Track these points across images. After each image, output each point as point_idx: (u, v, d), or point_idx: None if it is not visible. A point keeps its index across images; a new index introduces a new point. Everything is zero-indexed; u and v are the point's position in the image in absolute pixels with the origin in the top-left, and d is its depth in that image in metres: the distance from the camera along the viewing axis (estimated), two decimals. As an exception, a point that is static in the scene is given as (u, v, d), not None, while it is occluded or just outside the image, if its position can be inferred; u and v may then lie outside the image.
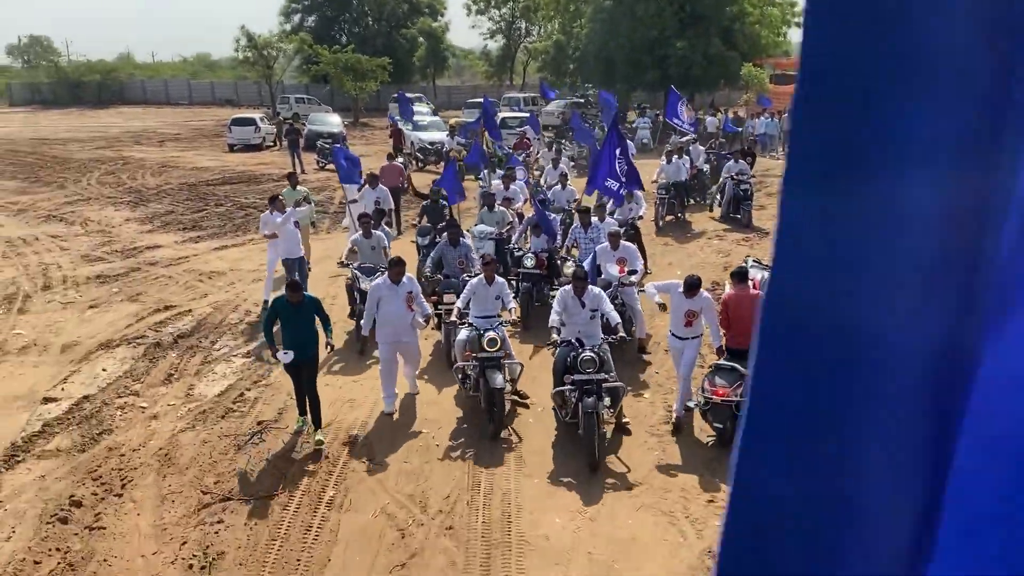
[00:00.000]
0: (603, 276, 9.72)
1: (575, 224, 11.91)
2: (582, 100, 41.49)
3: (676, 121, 19.48)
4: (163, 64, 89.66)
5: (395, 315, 8.38)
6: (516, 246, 12.46)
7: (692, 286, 7.97)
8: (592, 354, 7.57)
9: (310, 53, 46.96)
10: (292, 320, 7.75)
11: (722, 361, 7.88)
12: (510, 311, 9.16)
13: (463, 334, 8.48)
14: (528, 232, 12.44)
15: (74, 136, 38.88)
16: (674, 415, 8.35)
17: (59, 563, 6.17)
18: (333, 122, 33.51)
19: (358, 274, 10.52)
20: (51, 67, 69.08)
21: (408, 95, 32.24)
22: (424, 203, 14.37)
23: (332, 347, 8.33)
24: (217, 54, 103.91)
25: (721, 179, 18.02)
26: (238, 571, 6.06)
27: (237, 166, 27.99)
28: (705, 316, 8.17)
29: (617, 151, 11.99)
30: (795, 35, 47.72)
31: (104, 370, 9.87)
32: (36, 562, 6.18)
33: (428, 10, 59.73)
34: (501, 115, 30.67)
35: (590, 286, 8.22)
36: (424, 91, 55.47)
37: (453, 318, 8.74)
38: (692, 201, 18.75)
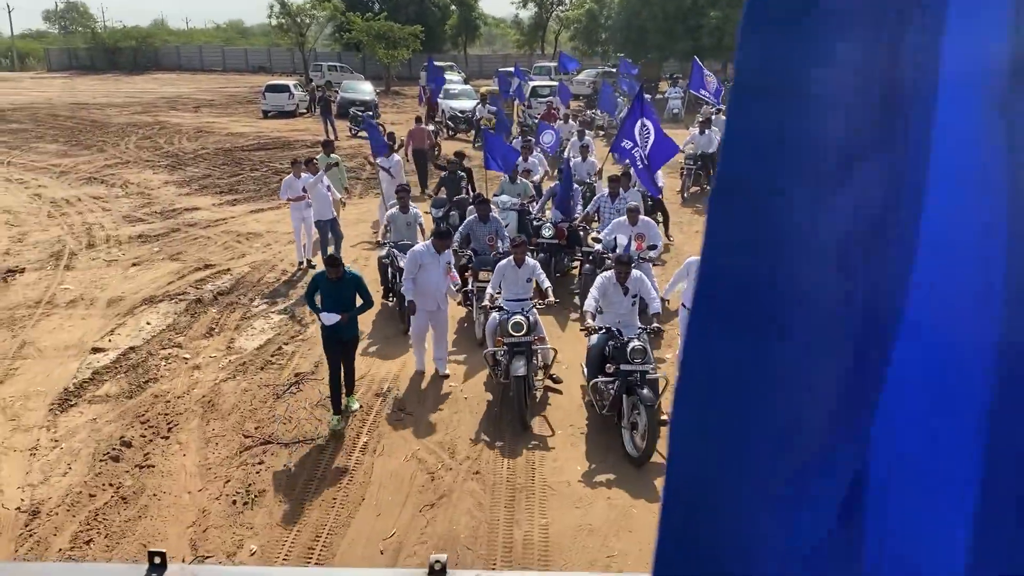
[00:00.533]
0: (616, 248, 9.59)
1: (601, 192, 11.83)
2: (613, 69, 41.29)
3: (703, 92, 19.55)
4: (197, 31, 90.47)
5: (433, 283, 8.41)
6: (537, 216, 12.31)
7: None
8: (641, 344, 7.16)
9: (343, 21, 47.13)
10: (332, 296, 7.52)
11: None
12: (548, 294, 8.59)
13: (493, 318, 8.22)
14: (549, 202, 12.40)
15: (111, 101, 39.55)
16: None
17: (112, 496, 6.62)
18: (365, 90, 33.77)
19: (396, 252, 10.19)
20: (88, 33, 70.07)
21: (439, 63, 32.45)
22: (442, 174, 14.11)
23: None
24: (250, 21, 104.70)
25: None
26: (278, 508, 6.46)
27: (271, 132, 28.39)
28: None
29: (639, 123, 11.82)
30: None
31: (148, 323, 10.32)
32: (91, 495, 6.63)
33: (461, -23, 59.60)
34: (532, 84, 30.71)
35: (632, 269, 7.84)
36: (455, 59, 55.48)
37: (486, 302, 8.36)
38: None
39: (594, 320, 7.63)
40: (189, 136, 27.40)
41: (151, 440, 7.50)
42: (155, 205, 16.96)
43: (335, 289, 7.49)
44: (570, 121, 21.45)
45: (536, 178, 14.17)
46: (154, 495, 6.66)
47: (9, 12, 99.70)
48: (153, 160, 22.67)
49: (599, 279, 7.98)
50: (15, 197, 17.69)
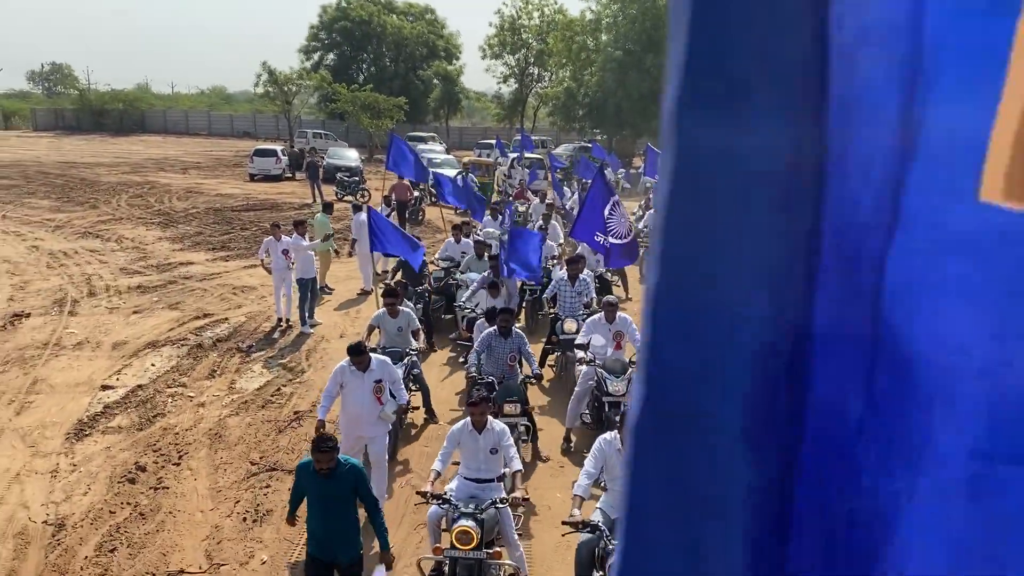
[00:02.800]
0: (590, 350, 8.61)
1: (561, 275, 10.95)
2: (589, 144, 43.03)
3: (657, 177, 20.64)
4: (181, 96, 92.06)
5: (358, 404, 7.08)
6: (465, 304, 11.26)
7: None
8: None
9: (329, 91, 48.72)
10: (321, 498, 5.30)
11: None
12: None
13: (433, 511, 6.04)
14: (484, 290, 10.89)
15: (99, 161, 40.34)
16: None
17: (131, 513, 7.22)
18: (351, 156, 34.94)
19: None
20: (76, 94, 71.32)
21: (421, 134, 33.39)
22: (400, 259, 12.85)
23: (388, 565, 5.59)
24: (232, 88, 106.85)
25: None
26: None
27: (259, 194, 29.29)
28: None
29: (607, 207, 11.17)
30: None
31: (153, 365, 10.96)
32: (111, 511, 7.23)
33: (444, 54, 61.86)
34: (513, 156, 32.07)
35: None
36: (437, 131, 57.27)
37: (426, 488, 5.84)
38: None
39: (579, 507, 5.58)
40: (179, 196, 28.21)
41: (163, 466, 8.11)
42: (151, 259, 17.65)
43: (324, 488, 5.25)
44: (536, 202, 21.42)
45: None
46: (170, 513, 7.26)
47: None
48: (145, 217, 23.41)
49: (597, 443, 5.91)
50: (14, 248, 18.30)
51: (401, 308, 9.38)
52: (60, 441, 8.57)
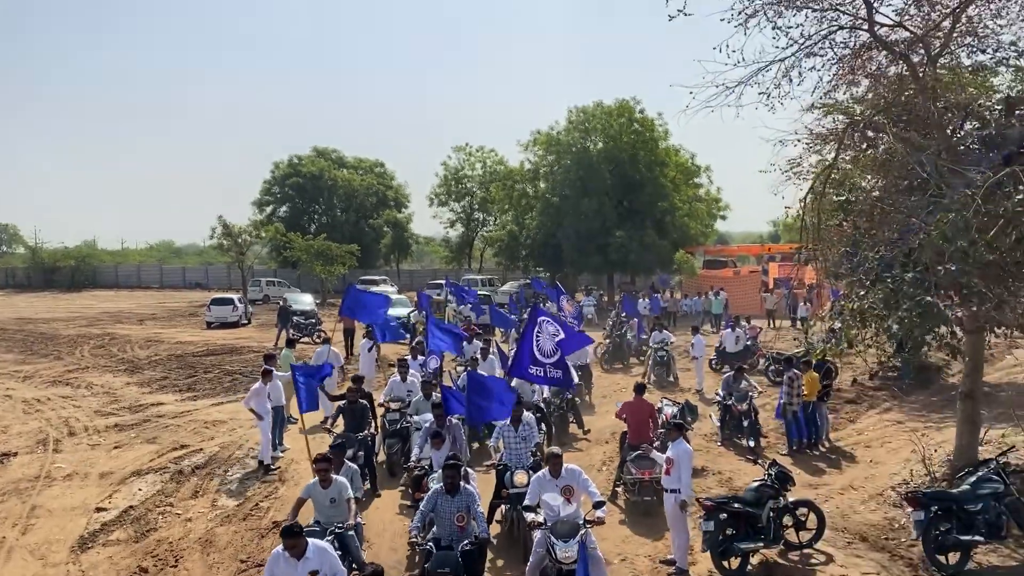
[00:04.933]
0: (542, 510, 7.94)
1: (503, 421, 10.53)
2: (530, 281, 45.75)
3: (561, 314, 21.68)
4: (131, 251, 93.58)
5: None
6: (415, 463, 10.50)
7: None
8: None
9: (282, 240, 50.95)
10: None
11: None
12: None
13: None
14: (428, 443, 10.42)
15: (54, 316, 41.28)
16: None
17: (139, 605, 8.32)
18: (306, 301, 36.70)
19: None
20: (26, 253, 72.48)
21: (373, 277, 35.47)
22: (339, 405, 12.48)
23: None
24: (180, 240, 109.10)
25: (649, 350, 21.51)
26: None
27: (218, 340, 30.58)
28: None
29: (536, 332, 10.82)
30: (720, 225, 53.26)
31: (140, 489, 12.07)
32: (122, 605, 8.33)
33: (394, 203, 65.35)
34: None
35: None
36: (388, 274, 59.76)
37: None
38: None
39: None
40: (140, 344, 29.34)
41: (163, 568, 9.24)
42: (122, 401, 18.74)
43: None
44: (475, 341, 20.53)
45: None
46: (173, 603, 8.38)
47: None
48: (111, 365, 24.50)
49: None
50: (-13, 398, 19.23)
51: (335, 476, 8.33)
52: (66, 553, 9.63)
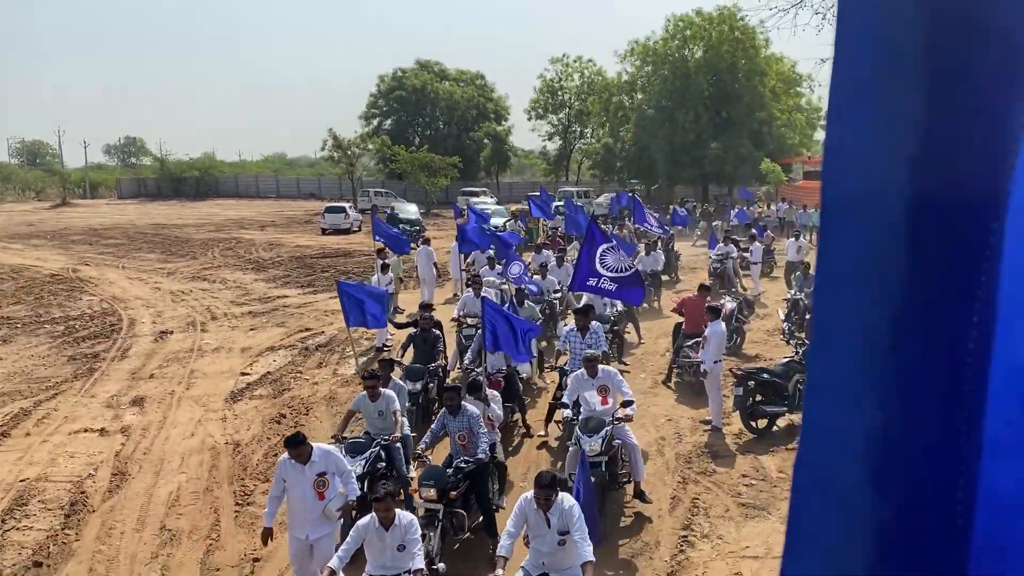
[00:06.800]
0: (583, 407, 8.55)
1: (570, 326, 10.66)
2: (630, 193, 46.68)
3: (645, 225, 22.62)
4: (248, 162, 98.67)
5: (299, 502, 6.63)
6: (471, 367, 10.86)
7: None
8: None
9: (389, 153, 53.32)
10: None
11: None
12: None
13: None
14: (482, 350, 10.48)
15: (185, 222, 45.14)
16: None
17: (281, 438, 10.59)
18: (412, 210, 39.09)
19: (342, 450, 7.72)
20: (155, 164, 77.90)
21: (474, 189, 37.50)
22: (410, 332, 12.03)
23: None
24: (292, 153, 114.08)
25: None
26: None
27: (333, 245, 33.31)
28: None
29: (600, 248, 11.38)
30: (822, 136, 52.35)
31: (274, 361, 14.50)
32: (268, 438, 10.64)
33: (494, 115, 66.59)
34: (556, 204, 35.67)
35: (563, 497, 6.00)
36: (488, 186, 61.55)
37: None
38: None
39: (505, 565, 5.73)
40: (263, 248, 32.36)
41: (296, 416, 11.53)
42: (252, 294, 21.43)
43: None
44: (543, 251, 20.49)
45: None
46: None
47: (85, 147, 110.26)
48: (239, 264, 27.45)
49: (519, 502, 6.09)
50: (140, 289, 22.31)
51: (383, 390, 8.66)
52: (222, 403, 12.08)
